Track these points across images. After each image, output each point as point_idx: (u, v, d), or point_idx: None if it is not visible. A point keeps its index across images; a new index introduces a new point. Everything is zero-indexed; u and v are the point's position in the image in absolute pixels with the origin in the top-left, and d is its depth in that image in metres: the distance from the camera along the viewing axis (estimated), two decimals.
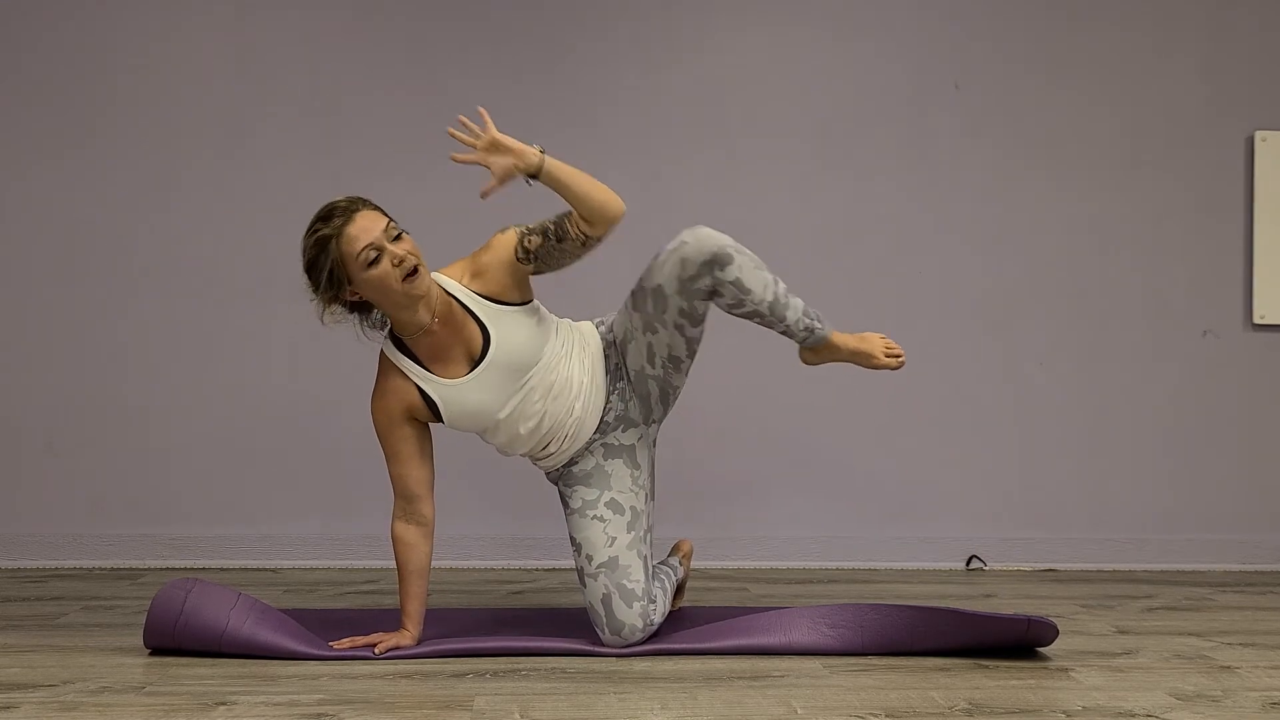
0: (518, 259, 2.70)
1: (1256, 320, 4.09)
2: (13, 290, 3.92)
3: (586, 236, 2.66)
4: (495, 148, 2.60)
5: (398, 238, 2.57)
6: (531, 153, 2.60)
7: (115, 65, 3.93)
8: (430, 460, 2.76)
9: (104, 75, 3.94)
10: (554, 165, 2.60)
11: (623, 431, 2.84)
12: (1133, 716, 2.24)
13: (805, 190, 4.05)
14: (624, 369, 2.83)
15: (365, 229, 2.54)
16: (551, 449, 2.80)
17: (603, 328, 2.89)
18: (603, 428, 2.82)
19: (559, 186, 2.61)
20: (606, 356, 2.83)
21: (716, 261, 2.64)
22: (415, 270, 2.56)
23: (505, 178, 2.61)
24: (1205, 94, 4.12)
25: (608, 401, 2.81)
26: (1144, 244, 4.11)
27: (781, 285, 2.73)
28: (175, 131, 3.95)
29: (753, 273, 2.67)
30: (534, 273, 2.74)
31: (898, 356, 2.88)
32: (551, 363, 2.73)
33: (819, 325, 2.80)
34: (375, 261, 2.54)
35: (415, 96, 3.97)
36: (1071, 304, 4.09)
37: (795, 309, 2.74)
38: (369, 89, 3.98)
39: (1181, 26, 4.13)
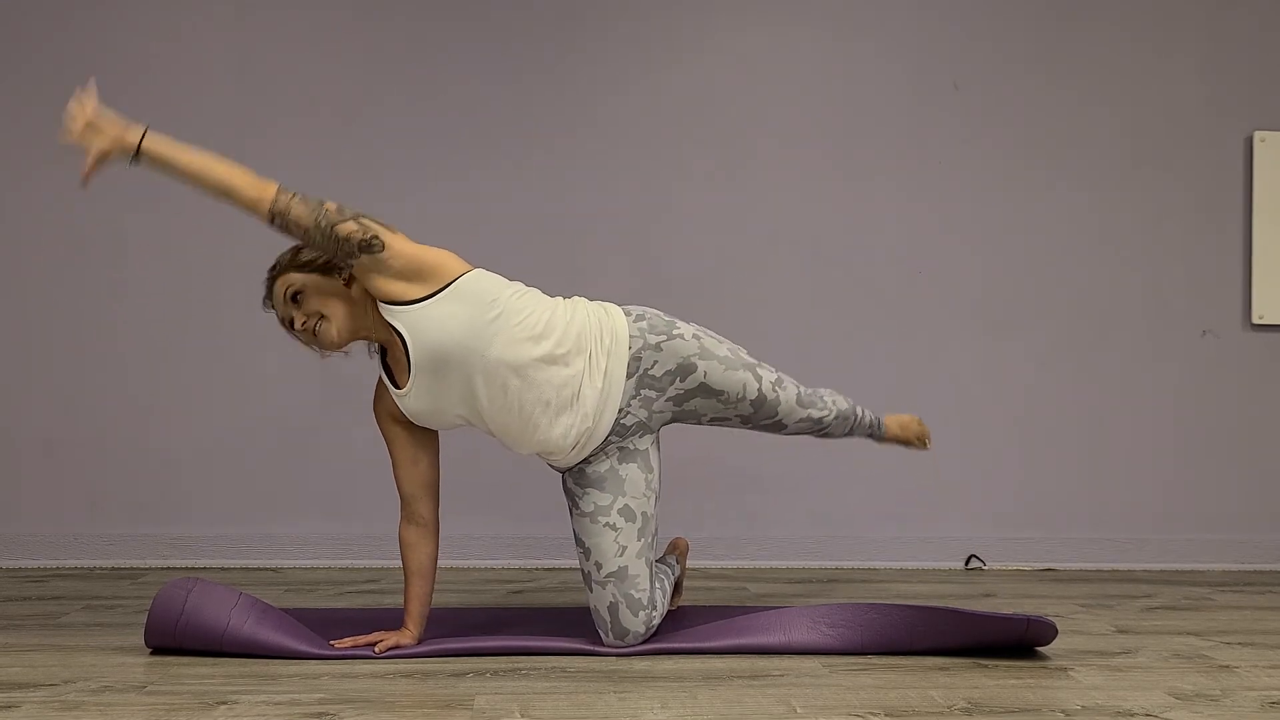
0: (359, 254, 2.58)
1: (1256, 320, 4.10)
2: (13, 290, 3.92)
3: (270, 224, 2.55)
4: (90, 126, 2.46)
5: (296, 298, 2.62)
6: (129, 132, 2.46)
7: (115, 65, 3.93)
8: (427, 462, 2.74)
9: (104, 75, 3.92)
10: (158, 144, 2.47)
11: (639, 438, 2.77)
12: (1132, 716, 2.25)
13: (805, 190, 4.05)
14: (661, 384, 2.73)
15: (277, 299, 2.66)
16: (557, 455, 2.73)
17: (642, 323, 2.73)
18: (620, 431, 2.73)
19: (166, 168, 2.49)
20: (639, 358, 2.70)
21: (825, 432, 3.00)
22: (318, 328, 2.62)
23: (101, 159, 2.46)
24: (1205, 94, 4.13)
25: (627, 407, 2.72)
26: (1144, 244, 4.11)
27: (842, 406, 3.01)
28: (175, 132, 3.88)
29: (840, 426, 3.01)
30: (367, 265, 2.55)
31: (926, 443, 3.27)
32: (509, 346, 2.57)
33: (878, 428, 3.15)
34: (290, 328, 2.66)
35: (415, 97, 3.98)
36: (1071, 304, 4.09)
37: (861, 426, 3.08)
38: (368, 89, 3.98)
39: (1181, 26, 4.13)
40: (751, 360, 2.84)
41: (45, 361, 3.91)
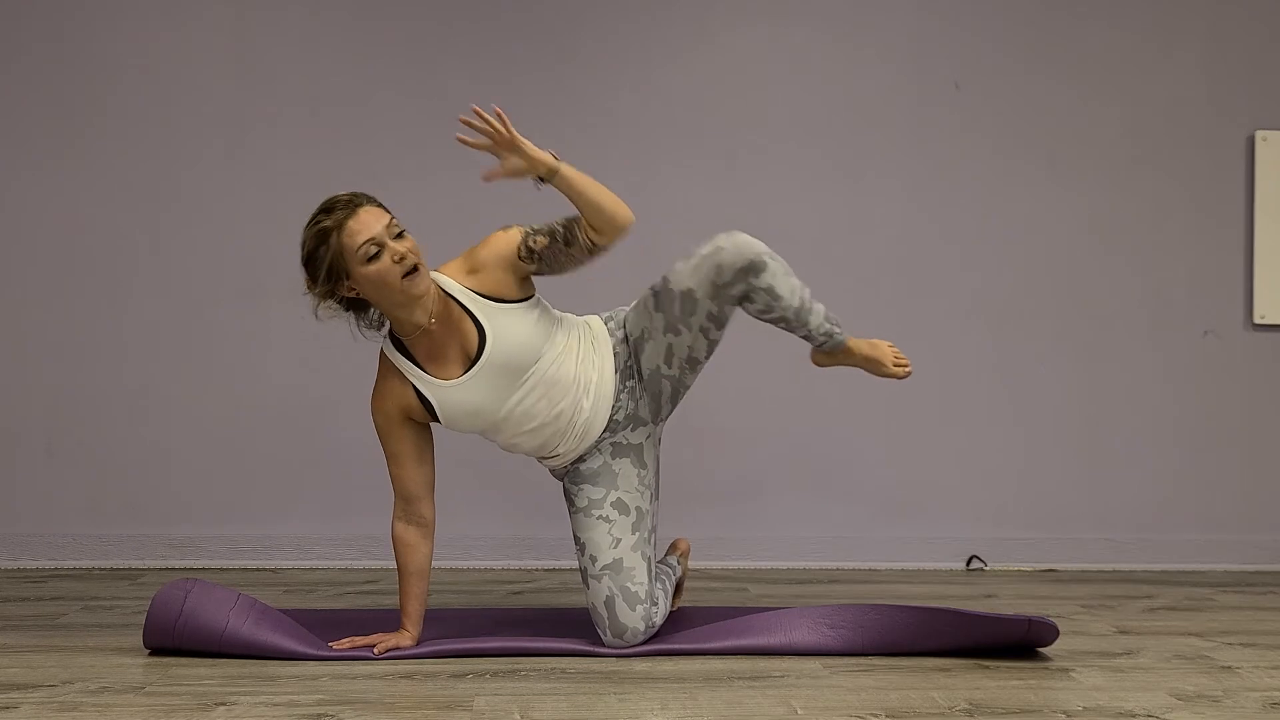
0: (520, 258, 2.67)
1: (1257, 320, 4.09)
2: (13, 290, 3.91)
3: (594, 244, 2.64)
4: (511, 148, 2.59)
5: (399, 235, 2.56)
6: (545, 161, 2.58)
7: (115, 66, 3.93)
8: (430, 461, 2.75)
9: (104, 75, 3.94)
10: (568, 172, 2.59)
11: (631, 430, 2.81)
12: (1133, 717, 2.24)
13: (805, 190, 4.05)
14: (636, 367, 2.80)
15: (367, 224, 2.53)
16: (560, 450, 2.77)
17: (611, 323, 2.85)
18: (612, 426, 2.78)
19: (571, 193, 2.60)
20: (616, 354, 2.79)
21: (753, 269, 2.65)
22: (415, 269, 2.54)
23: (512, 175, 2.61)
24: (1205, 93, 4.12)
25: (617, 400, 2.78)
26: (1144, 244, 4.11)
27: (807, 291, 2.76)
28: (175, 132, 3.95)
29: (784, 279, 2.70)
30: (534, 274, 2.72)
31: (905, 367, 2.92)
32: (554, 361, 2.70)
33: (838, 330, 2.82)
34: (375, 257, 2.52)
35: (414, 97, 3.97)
36: (1072, 304, 4.09)
37: (818, 314, 2.77)
38: (368, 90, 3.97)
39: (1181, 26, 4.13)
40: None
41: (45, 362, 3.90)
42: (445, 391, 2.66)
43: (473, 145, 2.61)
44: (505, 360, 2.65)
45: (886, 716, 2.23)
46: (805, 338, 2.81)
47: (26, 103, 3.91)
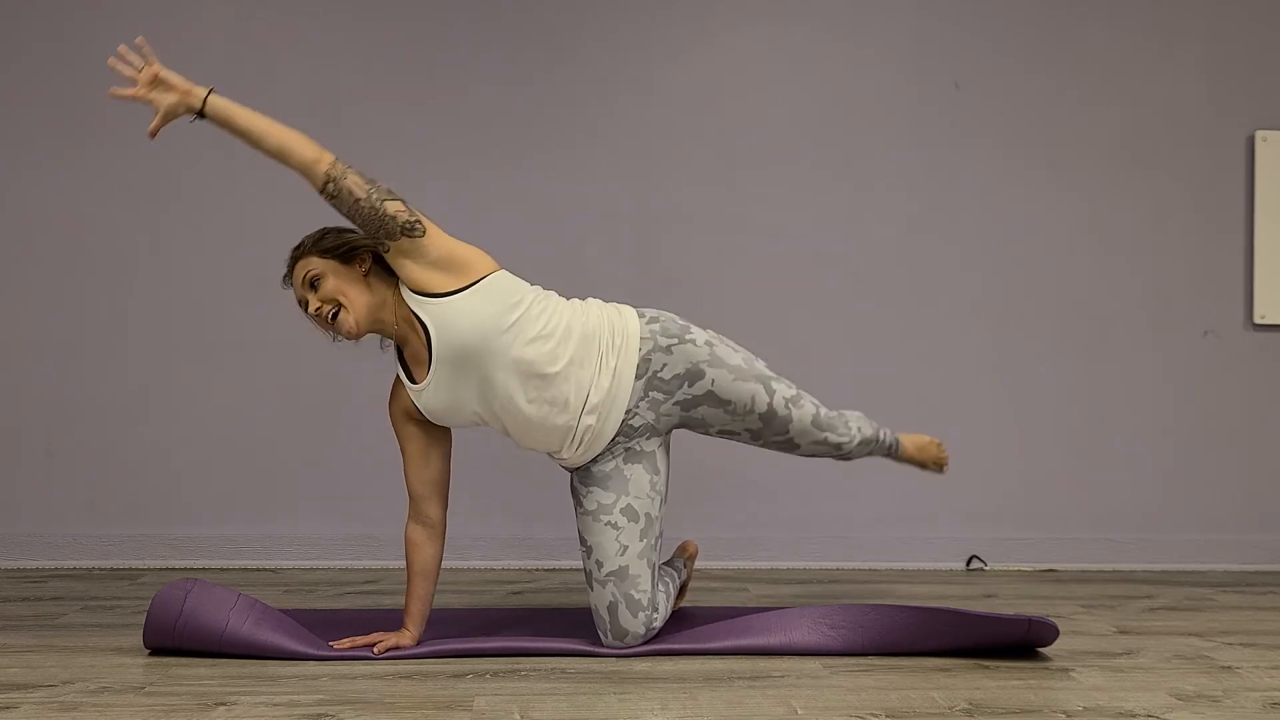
0: (395, 237, 2.60)
1: (1257, 320, 4.09)
2: (13, 290, 3.92)
3: (321, 190, 2.57)
4: (157, 83, 2.55)
5: (315, 284, 2.61)
6: (196, 90, 2.54)
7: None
8: (437, 463, 2.74)
9: (104, 76, 3.92)
10: (221, 103, 2.55)
11: (646, 439, 2.77)
12: (1133, 717, 2.24)
13: (805, 190, 4.05)
14: (671, 388, 2.73)
15: (297, 281, 2.65)
16: (565, 454, 2.74)
17: (654, 326, 2.74)
18: (626, 431, 2.73)
19: (229, 126, 2.55)
20: (647, 360, 2.71)
21: (839, 455, 2.94)
22: (335, 315, 2.60)
23: (170, 115, 2.55)
24: (1205, 94, 4.12)
25: (635, 408, 2.72)
26: (1144, 244, 4.11)
27: (866, 433, 2.95)
28: (175, 132, 3.91)
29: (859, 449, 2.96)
30: (371, 238, 2.60)
31: (943, 464, 3.21)
32: (525, 342, 2.59)
33: (895, 449, 3.09)
34: (306, 310, 2.64)
35: (414, 98, 3.97)
36: (1072, 304, 4.09)
37: (866, 445, 2.97)
38: (368, 90, 3.97)
39: (1181, 26, 4.13)
40: (768, 373, 2.80)
41: (45, 362, 3.91)
42: (418, 395, 2.68)
43: (123, 95, 2.55)
44: (453, 354, 2.60)
45: (886, 716, 2.23)
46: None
47: (27, 103, 3.91)
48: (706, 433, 2.83)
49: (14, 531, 3.87)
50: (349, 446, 3.86)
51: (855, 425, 2.93)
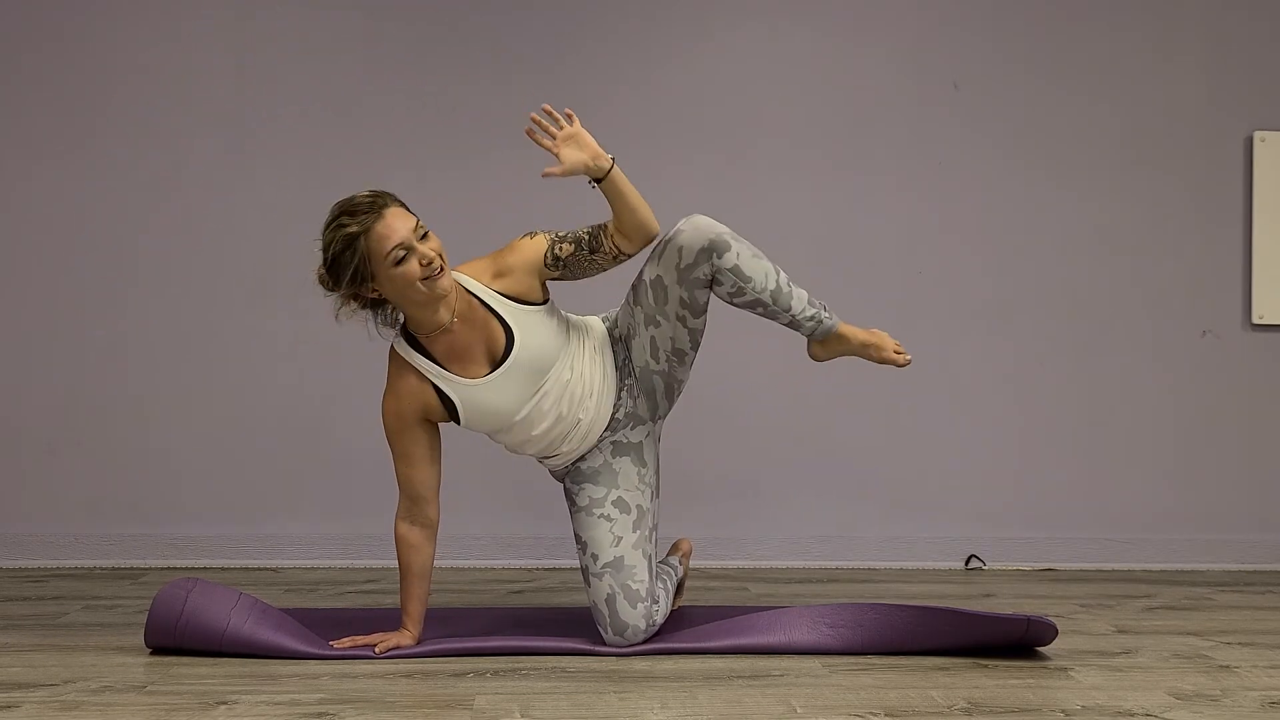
0: (546, 265, 2.71)
1: (1256, 320, 4.09)
2: (13, 290, 3.92)
3: (619, 251, 2.71)
4: (574, 140, 2.66)
5: (424, 236, 2.58)
6: (605, 157, 2.65)
7: (116, 66, 3.93)
8: (438, 462, 2.75)
9: (105, 75, 3.95)
10: (619, 175, 2.66)
11: (631, 429, 2.83)
12: (1132, 716, 2.25)
13: (805, 190, 4.05)
14: (630, 364, 2.82)
15: (394, 228, 2.54)
16: (563, 449, 2.79)
17: (608, 323, 2.89)
18: (613, 425, 2.81)
19: (616, 196, 2.66)
20: (614, 353, 2.83)
21: (714, 249, 2.66)
22: (440, 270, 2.57)
23: (571, 171, 2.65)
24: (1205, 94, 4.12)
25: (618, 398, 2.80)
26: (1144, 244, 4.11)
27: (783, 275, 2.74)
28: (175, 132, 3.95)
29: (751, 260, 2.69)
30: (556, 279, 2.75)
31: (904, 354, 2.85)
32: (568, 362, 2.73)
33: (826, 315, 2.79)
34: (403, 260, 2.54)
35: (414, 98, 3.97)
36: (1071, 304, 4.09)
37: (800, 298, 2.75)
38: (368, 90, 3.98)
39: (1181, 26, 4.13)
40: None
41: (46, 361, 3.91)
42: (470, 390, 2.67)
43: (540, 143, 2.68)
44: (530, 362, 2.69)
45: (886, 715, 2.24)
46: (791, 325, 2.76)
47: (28, 103, 3.92)
48: (672, 374, 2.81)
49: (15, 531, 3.88)
50: (349, 446, 3.86)
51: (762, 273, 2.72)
